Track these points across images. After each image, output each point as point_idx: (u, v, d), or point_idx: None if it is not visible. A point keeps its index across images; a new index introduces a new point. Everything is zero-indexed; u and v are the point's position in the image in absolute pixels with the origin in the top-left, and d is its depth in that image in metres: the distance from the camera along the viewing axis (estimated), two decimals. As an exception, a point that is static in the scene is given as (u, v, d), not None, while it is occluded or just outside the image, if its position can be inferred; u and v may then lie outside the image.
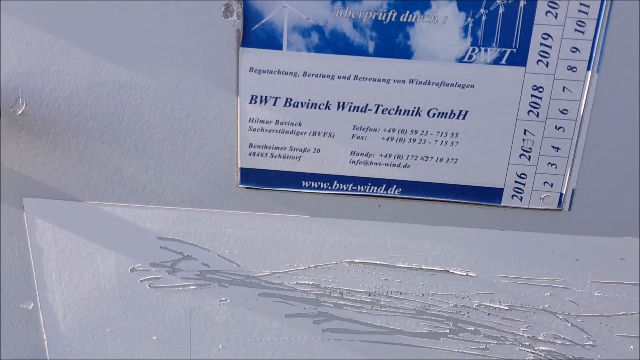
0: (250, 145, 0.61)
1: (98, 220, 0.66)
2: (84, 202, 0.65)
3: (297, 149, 0.60)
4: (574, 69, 0.55)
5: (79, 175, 0.64)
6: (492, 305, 0.66)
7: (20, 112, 0.61)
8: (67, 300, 0.70)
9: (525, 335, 0.67)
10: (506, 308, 0.66)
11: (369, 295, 0.67)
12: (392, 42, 0.55)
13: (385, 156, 0.60)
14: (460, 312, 0.67)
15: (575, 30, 0.54)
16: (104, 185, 0.64)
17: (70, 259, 0.68)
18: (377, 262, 0.65)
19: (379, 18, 0.54)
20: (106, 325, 0.71)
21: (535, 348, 0.67)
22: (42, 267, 0.69)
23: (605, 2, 0.53)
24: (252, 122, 0.60)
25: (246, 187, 0.63)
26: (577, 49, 0.54)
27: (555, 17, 0.53)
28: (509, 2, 0.53)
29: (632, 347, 0.66)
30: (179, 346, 0.71)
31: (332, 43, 0.55)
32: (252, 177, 0.62)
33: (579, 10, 0.53)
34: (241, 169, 0.62)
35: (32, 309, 0.72)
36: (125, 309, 0.70)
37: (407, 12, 0.54)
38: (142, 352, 0.72)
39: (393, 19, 0.54)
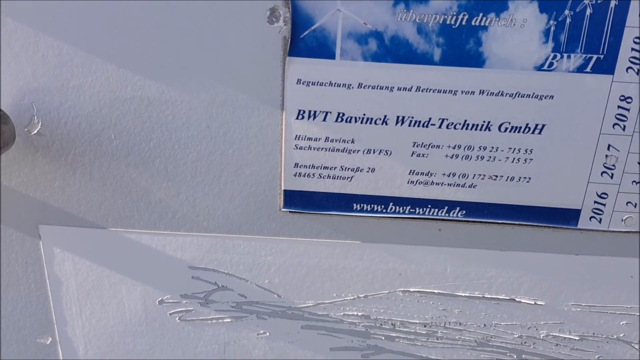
0: (296, 165, 0.54)
1: (123, 249, 0.59)
2: (107, 230, 0.58)
3: (348, 169, 0.54)
4: (667, 76, 0.49)
5: (101, 200, 0.57)
6: (561, 335, 0.60)
7: (35, 131, 0.54)
8: (89, 334, 0.64)
9: (597, 368, 0.61)
10: (577, 338, 0.60)
11: (425, 326, 0.60)
12: (461, 48, 0.48)
13: (449, 175, 0.53)
14: (525, 342, 0.60)
15: (671, 32, 0.47)
16: (130, 210, 0.57)
17: (91, 291, 0.62)
18: (435, 291, 0.59)
19: (448, 22, 0.47)
20: (132, 361, 0.65)
21: (608, 382, 0.61)
22: (60, 299, 0.62)
23: None
24: (299, 139, 0.53)
25: (290, 211, 0.56)
26: (671, 53, 0.48)
27: (649, 18, 0.47)
28: (598, 2, 0.46)
29: None
30: (212, 382, 0.65)
31: (393, 51, 0.49)
32: (297, 200, 0.55)
33: (676, 10, 0.47)
34: (285, 191, 0.55)
35: (50, 344, 0.65)
36: (153, 343, 0.64)
37: (480, 14, 0.47)
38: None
39: (464, 23, 0.47)
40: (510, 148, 0.52)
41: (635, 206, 0.53)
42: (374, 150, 0.53)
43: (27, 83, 0.52)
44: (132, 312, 0.62)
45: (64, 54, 0.51)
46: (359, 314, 0.60)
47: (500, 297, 0.58)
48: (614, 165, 0.52)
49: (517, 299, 0.58)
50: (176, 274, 0.60)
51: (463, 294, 0.58)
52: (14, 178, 0.57)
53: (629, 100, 0.49)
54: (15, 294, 0.63)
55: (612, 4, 0.46)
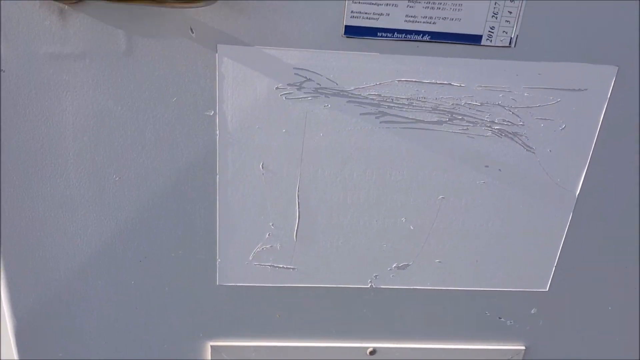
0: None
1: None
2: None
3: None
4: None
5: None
6: (472, 102, 1.24)
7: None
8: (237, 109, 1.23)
9: (488, 120, 1.26)
10: (479, 104, 1.24)
11: (407, 100, 1.23)
12: None
13: (423, 21, 1.14)
14: (454, 108, 1.24)
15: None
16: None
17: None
18: (413, 80, 1.21)
19: None
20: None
21: (493, 127, 1.27)
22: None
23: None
24: None
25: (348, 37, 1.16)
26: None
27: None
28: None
29: (542, 124, 1.25)
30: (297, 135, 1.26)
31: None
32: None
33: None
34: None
35: (212, 115, 1.24)
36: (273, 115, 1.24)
37: None
38: (274, 139, 1.27)
39: None
40: None
41: (506, 36, 1.16)
42: None
43: None
44: (261, 94, 1.22)
45: None
46: (375, 93, 1.22)
47: (444, 82, 1.21)
48: None
49: (452, 83, 1.21)
50: (286, 71, 1.19)
51: (426, 81, 1.21)
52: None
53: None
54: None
55: None
